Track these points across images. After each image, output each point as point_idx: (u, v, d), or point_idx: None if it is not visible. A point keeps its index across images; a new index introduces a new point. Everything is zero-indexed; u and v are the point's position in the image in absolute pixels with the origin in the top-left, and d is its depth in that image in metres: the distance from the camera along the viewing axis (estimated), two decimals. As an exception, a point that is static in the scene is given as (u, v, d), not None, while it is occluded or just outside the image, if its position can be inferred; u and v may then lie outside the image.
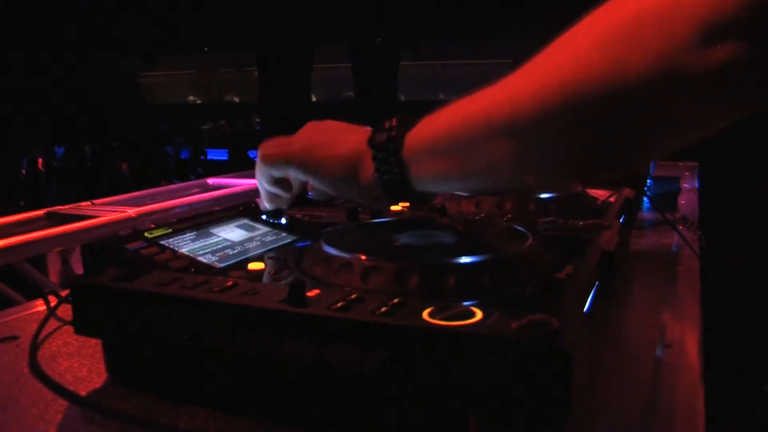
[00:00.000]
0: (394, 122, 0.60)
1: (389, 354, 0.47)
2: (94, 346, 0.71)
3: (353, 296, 0.51)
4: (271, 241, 0.77)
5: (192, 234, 0.73)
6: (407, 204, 0.99)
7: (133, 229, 1.73)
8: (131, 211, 1.74)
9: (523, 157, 0.53)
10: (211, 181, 2.42)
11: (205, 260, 0.68)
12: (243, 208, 0.85)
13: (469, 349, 0.45)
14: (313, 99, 11.92)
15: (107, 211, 1.75)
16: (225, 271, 0.66)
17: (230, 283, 0.55)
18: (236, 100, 13.02)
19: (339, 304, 0.50)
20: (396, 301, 0.50)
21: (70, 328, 0.78)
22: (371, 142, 0.61)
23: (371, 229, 0.77)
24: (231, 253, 0.71)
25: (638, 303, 0.83)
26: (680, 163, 2.21)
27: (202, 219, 0.78)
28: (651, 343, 0.70)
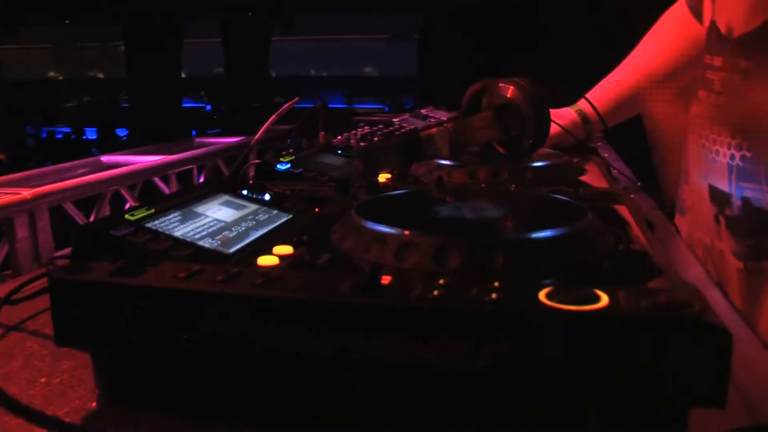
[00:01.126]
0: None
1: (507, 347, 0.39)
2: (62, 357, 0.58)
3: (441, 281, 0.43)
4: (267, 220, 0.66)
5: (177, 215, 0.61)
6: (389, 176, 0.90)
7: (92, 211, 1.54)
8: (26, 193, 1.53)
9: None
10: (105, 158, 2.20)
11: (207, 245, 0.56)
12: (218, 183, 0.73)
13: (614, 336, 0.38)
14: (183, 75, 11.39)
15: (-4, 195, 1.53)
16: (239, 258, 0.55)
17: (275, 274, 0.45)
18: (101, 76, 12.20)
19: (435, 293, 0.41)
20: (497, 284, 0.42)
21: (19, 336, 0.64)
22: None
23: (401, 202, 0.68)
24: (231, 235, 0.60)
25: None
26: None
27: (180, 198, 0.66)
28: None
